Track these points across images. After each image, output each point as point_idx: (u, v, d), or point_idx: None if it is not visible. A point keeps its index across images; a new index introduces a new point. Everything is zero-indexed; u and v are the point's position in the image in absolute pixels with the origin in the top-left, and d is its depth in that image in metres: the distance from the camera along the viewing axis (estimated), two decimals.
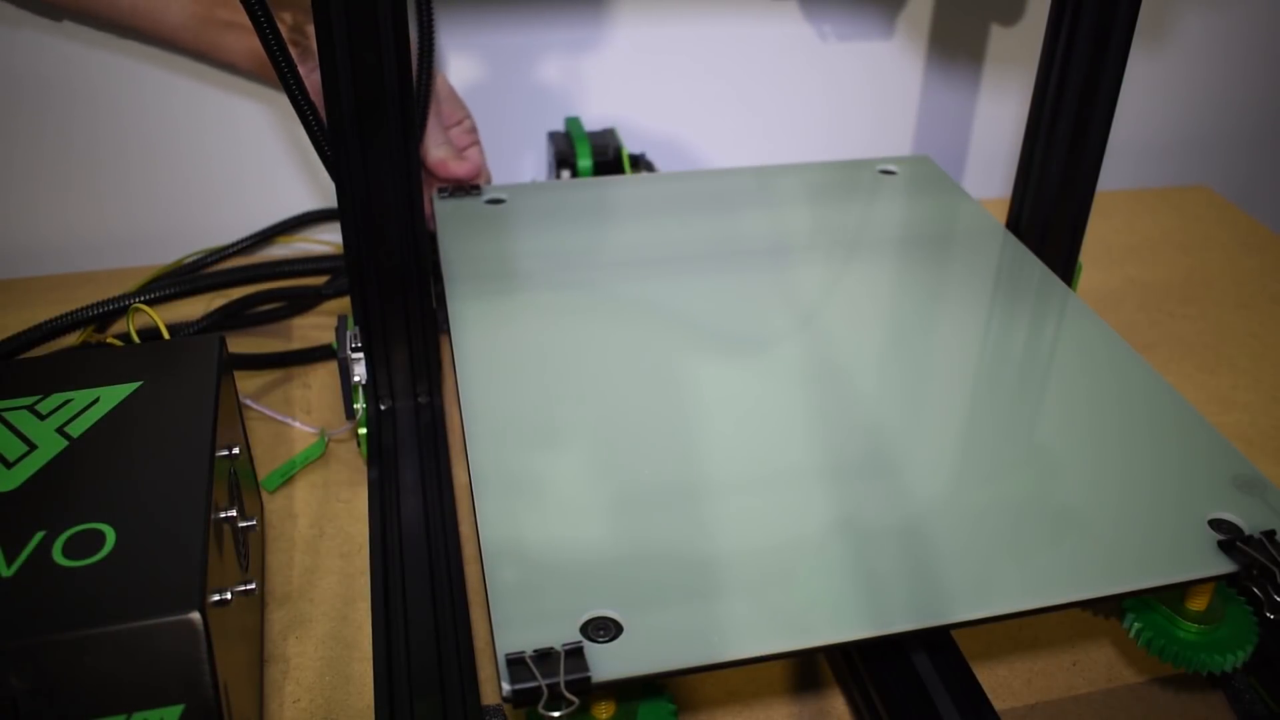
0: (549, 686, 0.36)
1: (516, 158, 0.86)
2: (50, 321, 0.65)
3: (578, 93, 0.84)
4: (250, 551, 0.50)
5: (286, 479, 0.61)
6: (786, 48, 0.86)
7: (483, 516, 0.42)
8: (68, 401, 0.46)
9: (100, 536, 0.40)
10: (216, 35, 0.66)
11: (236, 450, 0.49)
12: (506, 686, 0.36)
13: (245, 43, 0.66)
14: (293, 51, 0.58)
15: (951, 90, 0.92)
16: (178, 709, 0.37)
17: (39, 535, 0.40)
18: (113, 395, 0.47)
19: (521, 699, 0.36)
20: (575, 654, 0.37)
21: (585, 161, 0.77)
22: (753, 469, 0.46)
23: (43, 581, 0.38)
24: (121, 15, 0.66)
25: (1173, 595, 0.44)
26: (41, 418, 0.45)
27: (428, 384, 0.61)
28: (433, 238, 0.62)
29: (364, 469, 0.62)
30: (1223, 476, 0.46)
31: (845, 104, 0.91)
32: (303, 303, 0.74)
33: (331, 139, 0.52)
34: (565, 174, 0.77)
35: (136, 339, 0.60)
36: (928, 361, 0.53)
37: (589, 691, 0.36)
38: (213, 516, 0.42)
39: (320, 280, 0.74)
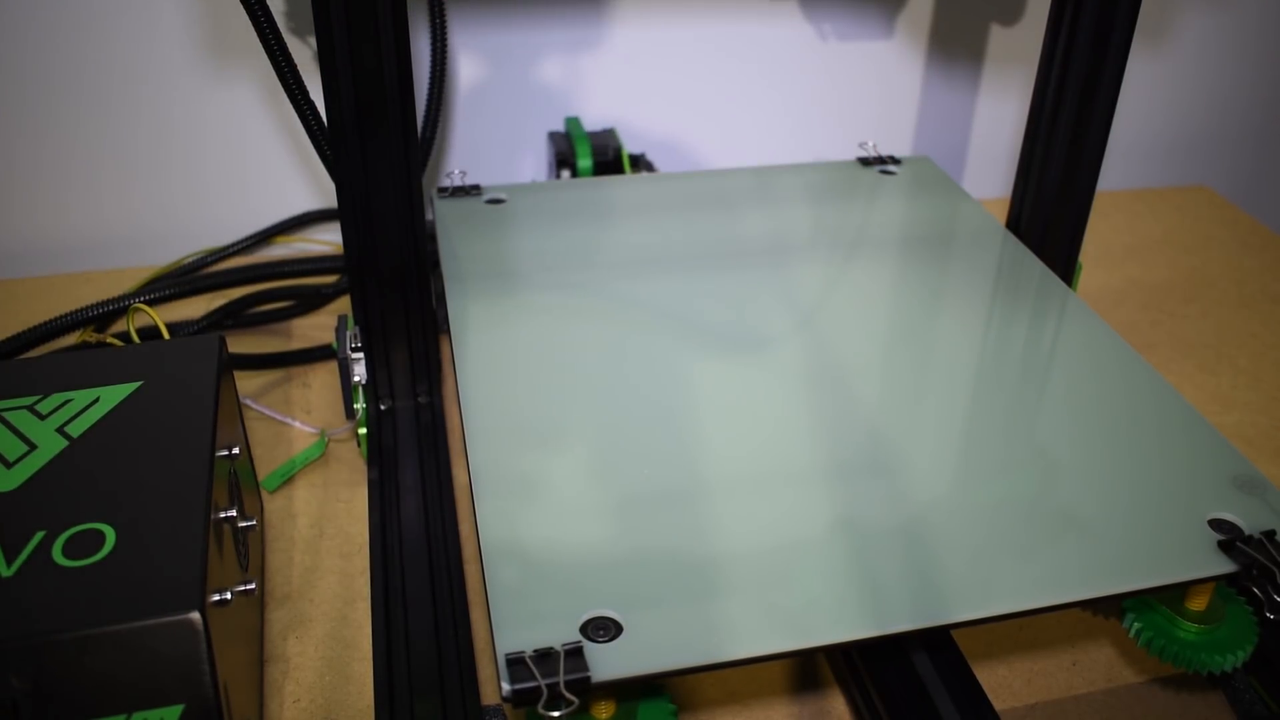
0: (549, 686, 0.36)
1: (516, 158, 0.86)
2: (50, 321, 0.65)
3: (578, 93, 0.84)
4: (250, 551, 0.50)
5: (286, 479, 0.61)
6: (786, 48, 0.86)
7: (482, 516, 0.42)
8: (68, 401, 0.46)
9: (100, 536, 0.40)
10: None
11: (236, 450, 0.49)
12: (506, 686, 0.36)
13: None
14: None
15: (951, 90, 0.92)
16: (178, 709, 0.37)
17: (39, 535, 0.40)
18: (113, 395, 0.47)
19: (521, 699, 0.36)
20: (575, 654, 0.37)
21: (585, 161, 0.77)
22: (752, 469, 0.46)
23: (43, 581, 0.38)
24: None
25: (1173, 595, 0.44)
26: (41, 418, 0.45)
27: (428, 384, 0.61)
28: (432, 237, 0.62)
29: (364, 469, 0.62)
30: (1223, 476, 0.46)
31: (845, 104, 0.91)
32: (305, 302, 0.74)
33: (331, 139, 0.52)
34: (565, 174, 0.77)
35: (136, 339, 0.60)
36: (927, 362, 0.53)
37: (589, 691, 0.36)
38: (213, 516, 0.42)
39: (322, 280, 0.74)
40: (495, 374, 0.50)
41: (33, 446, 0.44)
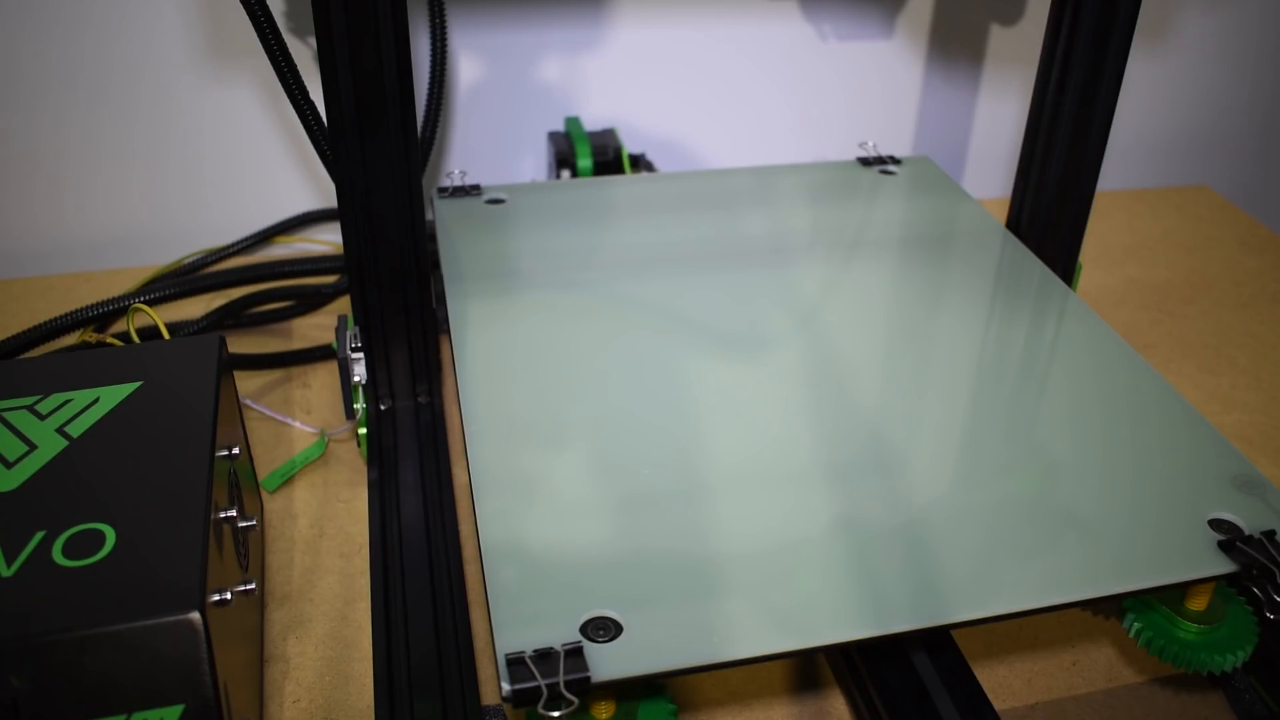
0: (549, 686, 0.36)
1: (516, 158, 0.86)
2: (50, 321, 0.65)
3: (578, 93, 0.84)
4: (250, 551, 0.50)
5: (286, 479, 0.61)
6: (786, 48, 0.86)
7: (482, 516, 0.42)
8: (68, 401, 0.46)
9: (100, 536, 0.40)
10: None
11: (236, 450, 0.49)
12: (506, 686, 0.36)
13: None
14: None
15: (951, 90, 0.92)
16: (178, 709, 0.37)
17: (39, 535, 0.40)
18: (113, 395, 0.47)
19: (521, 699, 0.36)
20: (575, 654, 0.37)
21: (585, 161, 0.77)
22: (752, 469, 0.46)
23: (43, 581, 0.38)
24: None
25: (1173, 595, 0.44)
26: (41, 418, 0.45)
27: (428, 384, 0.61)
28: (432, 237, 0.62)
29: (364, 469, 0.62)
30: (1223, 476, 0.46)
31: (845, 104, 0.91)
32: (305, 302, 0.74)
33: (331, 139, 0.52)
34: (565, 174, 0.77)
35: (136, 339, 0.60)
36: (928, 362, 0.53)
37: (589, 691, 0.36)
38: (213, 516, 0.42)
39: (322, 280, 0.74)
40: (495, 374, 0.50)
41: (33, 446, 0.44)
